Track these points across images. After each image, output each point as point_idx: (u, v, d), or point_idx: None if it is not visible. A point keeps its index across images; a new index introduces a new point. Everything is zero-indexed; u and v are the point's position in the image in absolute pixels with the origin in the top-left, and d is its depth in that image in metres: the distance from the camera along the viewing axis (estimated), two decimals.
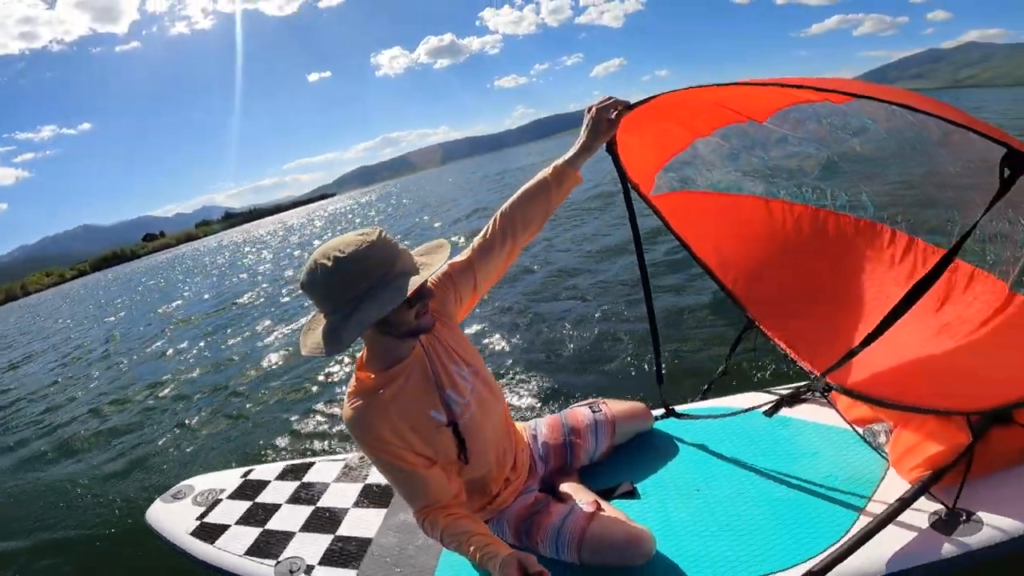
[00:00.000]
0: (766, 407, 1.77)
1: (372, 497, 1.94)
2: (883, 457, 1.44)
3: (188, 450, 3.77)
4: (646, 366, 3.12)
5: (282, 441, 3.47)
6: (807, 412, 1.71)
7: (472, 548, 1.12)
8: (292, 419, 3.71)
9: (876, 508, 1.28)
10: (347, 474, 2.13)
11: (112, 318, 14.50)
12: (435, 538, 1.22)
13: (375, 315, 1.02)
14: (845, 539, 1.20)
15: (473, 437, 1.27)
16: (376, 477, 2.03)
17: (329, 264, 1.02)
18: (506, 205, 1.32)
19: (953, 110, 0.92)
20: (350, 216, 32.53)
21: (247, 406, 4.28)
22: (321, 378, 4.38)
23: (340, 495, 2.01)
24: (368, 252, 1.03)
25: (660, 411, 1.91)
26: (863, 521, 1.26)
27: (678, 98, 1.34)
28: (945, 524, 1.18)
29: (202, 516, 2.10)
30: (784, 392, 1.81)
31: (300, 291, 1.17)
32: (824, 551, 1.21)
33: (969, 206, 1.04)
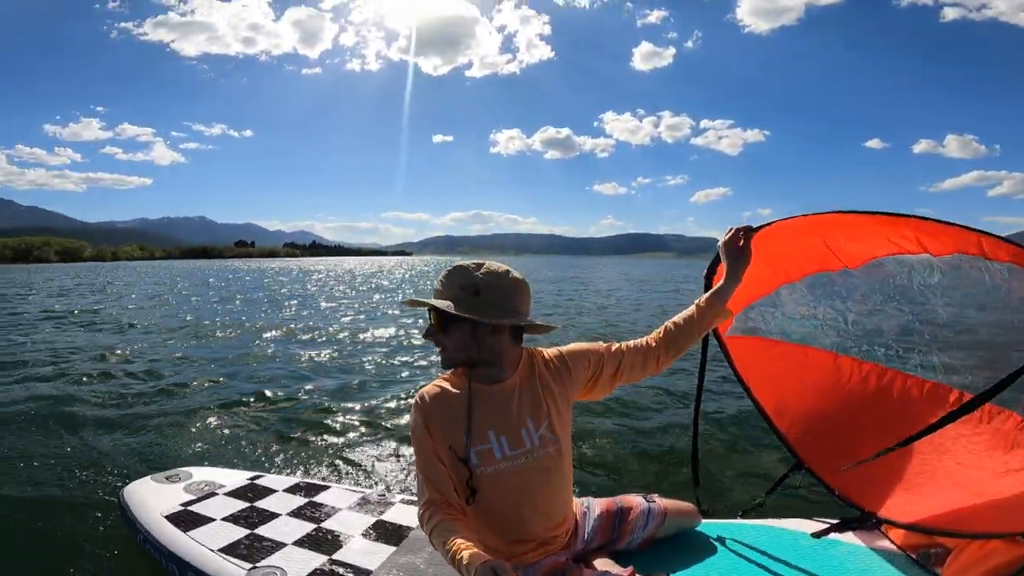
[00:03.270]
0: (815, 530, 1.75)
1: (384, 533, 1.84)
2: None
3: (202, 445, 3.65)
4: (700, 471, 3.15)
5: (305, 459, 3.38)
6: (855, 537, 1.70)
7: (450, 547, 1.12)
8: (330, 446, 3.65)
9: None
10: (362, 506, 2.03)
11: (173, 301, 15.58)
12: (427, 532, 1.23)
13: (512, 320, 1.26)
14: None
15: (501, 490, 1.29)
16: (392, 515, 1.97)
17: (502, 271, 1.30)
18: (668, 323, 1.48)
19: None
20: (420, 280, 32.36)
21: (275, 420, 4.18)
22: (378, 418, 4.24)
23: (349, 522, 1.91)
24: (522, 287, 1.32)
25: (710, 520, 1.89)
26: None
27: (793, 226, 1.50)
28: None
29: (188, 504, 1.99)
30: (835, 522, 1.78)
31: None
32: None
33: None
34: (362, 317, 11.92)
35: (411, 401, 1.55)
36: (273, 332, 9.11)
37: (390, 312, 12.89)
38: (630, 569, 1.36)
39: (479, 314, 1.23)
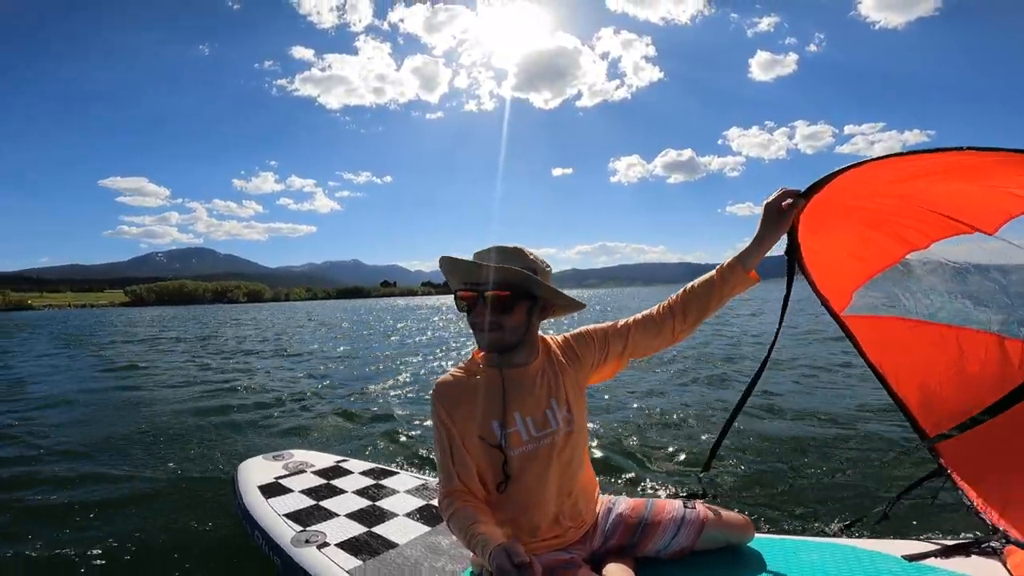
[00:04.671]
0: (910, 552, 1.44)
1: (426, 516, 1.98)
2: None
3: (318, 435, 4.55)
4: (774, 488, 2.75)
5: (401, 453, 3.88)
6: (962, 565, 1.38)
7: (468, 535, 1.14)
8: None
9: None
10: (419, 491, 2.21)
11: (329, 333, 18.37)
12: (446, 518, 1.24)
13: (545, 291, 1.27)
14: None
15: (526, 473, 1.28)
16: None
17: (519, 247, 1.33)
18: (675, 293, 1.42)
19: None
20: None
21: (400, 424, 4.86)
22: None
23: (401, 503, 2.10)
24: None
25: (767, 534, 1.65)
26: None
27: (867, 182, 1.25)
28: None
29: (281, 477, 2.35)
30: (947, 542, 1.46)
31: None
32: None
33: None
34: (462, 339, 13.27)
35: None
36: (387, 358, 10.25)
37: None
38: None
39: (551, 294, 1.29)
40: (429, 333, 16.49)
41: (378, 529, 1.87)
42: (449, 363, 7.79)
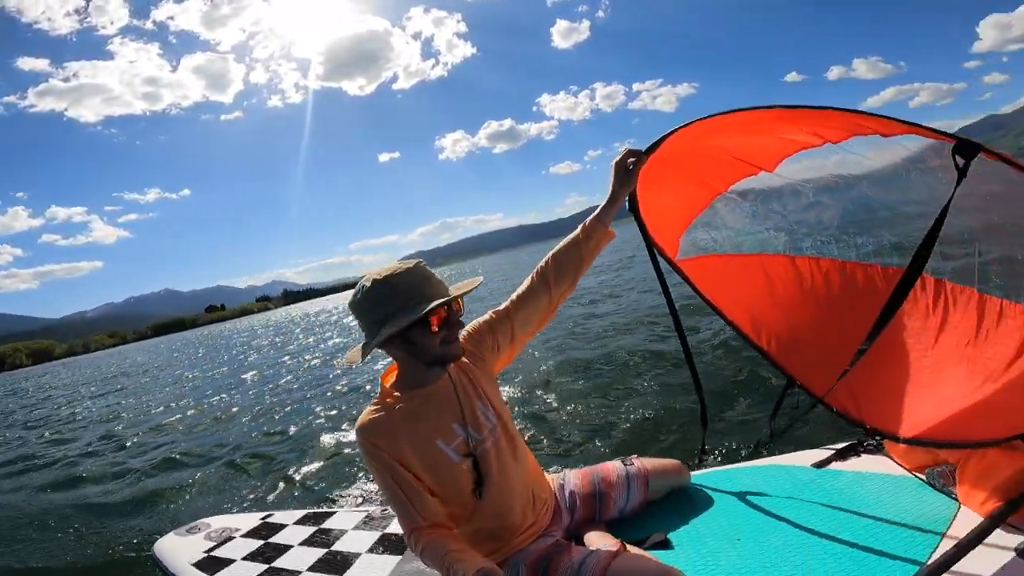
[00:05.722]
0: (815, 461, 1.69)
1: (389, 545, 1.90)
2: (952, 498, 1.39)
3: (212, 496, 3.91)
4: (680, 428, 3.08)
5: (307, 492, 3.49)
6: (860, 464, 1.65)
7: (444, 564, 1.13)
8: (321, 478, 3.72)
9: (950, 540, 1.22)
10: (367, 523, 2.09)
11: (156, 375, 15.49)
12: (417, 554, 1.21)
13: (390, 330, 1.14)
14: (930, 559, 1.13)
15: (493, 475, 1.28)
16: (395, 527, 1.98)
17: (368, 285, 1.18)
18: (542, 261, 1.41)
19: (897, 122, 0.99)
20: None
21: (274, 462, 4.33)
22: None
23: (357, 541, 1.97)
24: (401, 278, 1.16)
25: (700, 471, 1.84)
26: (941, 548, 1.20)
27: (688, 139, 1.39)
28: None
29: (210, 550, 2.11)
30: (838, 447, 1.73)
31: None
32: None
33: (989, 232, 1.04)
34: (318, 355, 12.13)
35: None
36: (251, 388, 9.01)
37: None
38: (619, 543, 1.32)
39: (388, 329, 1.17)
40: (289, 357, 14.48)
41: (351, 574, 1.76)
42: (339, 386, 7.01)
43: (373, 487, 3.26)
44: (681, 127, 1.34)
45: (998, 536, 1.12)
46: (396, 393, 1.27)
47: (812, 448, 1.84)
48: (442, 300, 1.16)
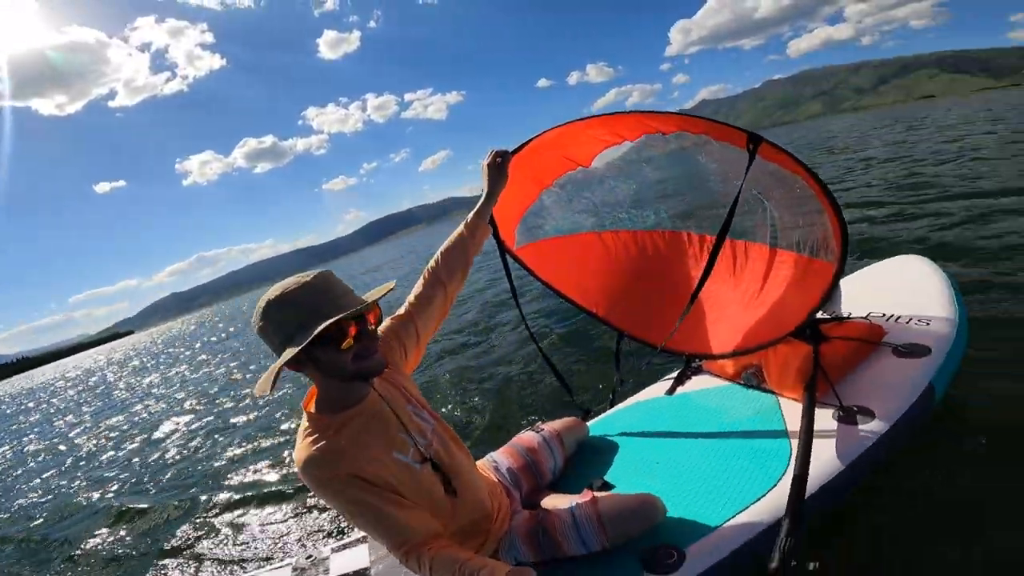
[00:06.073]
0: (666, 391, 2.10)
1: None
2: (768, 391, 1.84)
3: None
4: (556, 389, 3.37)
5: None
6: (697, 384, 2.08)
7: (464, 572, 1.07)
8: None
9: (792, 424, 1.61)
10: (316, 566, 1.75)
11: None
12: (423, 572, 1.13)
13: (289, 354, 1.04)
14: (793, 454, 1.45)
15: (454, 472, 1.28)
16: (340, 566, 1.73)
17: (262, 307, 1.09)
18: (431, 261, 1.46)
19: (701, 120, 1.43)
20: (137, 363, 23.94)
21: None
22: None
23: None
24: (294, 295, 1.07)
25: (591, 420, 2.11)
26: (792, 439, 1.55)
27: (542, 143, 1.72)
28: (847, 418, 1.51)
29: None
30: (674, 375, 2.16)
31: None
32: (786, 469, 1.45)
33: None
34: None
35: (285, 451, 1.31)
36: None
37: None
38: (588, 491, 1.44)
39: (287, 353, 1.07)
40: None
41: None
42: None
43: (280, 534, 2.79)
44: (538, 135, 1.68)
45: (816, 414, 1.46)
46: (326, 419, 1.16)
47: (656, 382, 2.30)
48: (330, 321, 1.03)
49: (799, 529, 1.20)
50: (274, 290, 1.10)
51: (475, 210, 1.53)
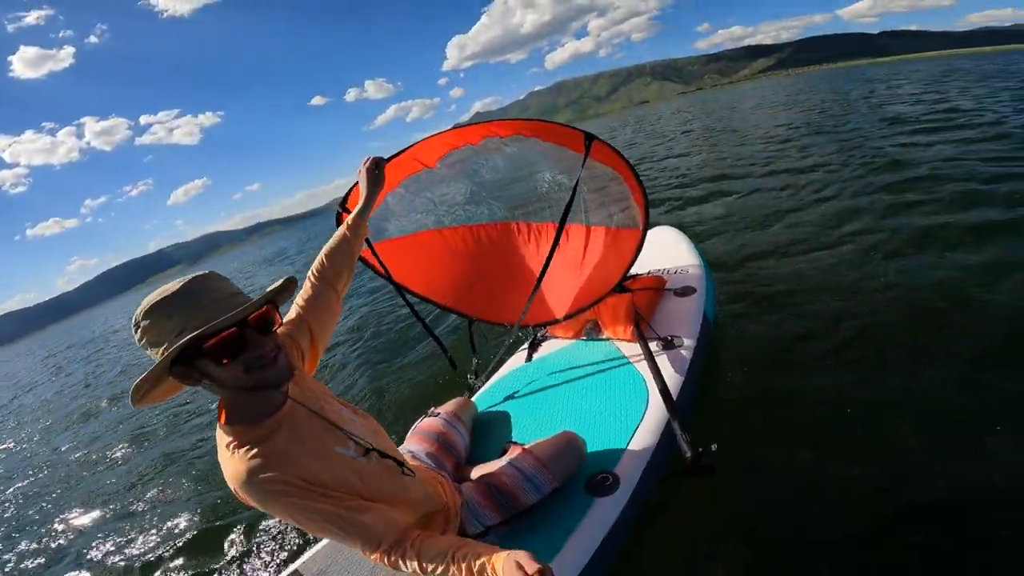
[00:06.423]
0: (524, 360, 2.44)
1: None
2: (607, 340, 2.27)
3: None
4: (437, 374, 3.55)
5: None
6: (548, 348, 2.47)
7: (458, 561, 1.06)
8: None
9: (633, 358, 2.03)
10: None
11: None
12: (409, 566, 1.09)
13: (152, 377, 0.97)
14: (648, 378, 1.83)
15: (401, 456, 1.29)
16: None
17: (135, 322, 0.99)
18: (316, 264, 1.44)
19: (535, 123, 1.78)
20: None
21: None
22: None
23: None
24: (160, 306, 0.97)
25: (475, 396, 2.31)
26: (639, 367, 1.95)
27: (408, 154, 1.94)
28: (668, 345, 2.01)
29: None
30: (527, 344, 2.55)
31: None
32: (648, 389, 1.81)
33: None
34: None
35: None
36: None
37: None
38: (521, 446, 1.59)
39: (145, 381, 0.99)
40: None
41: None
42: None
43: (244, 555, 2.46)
44: (413, 144, 1.91)
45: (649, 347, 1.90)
46: (250, 429, 1.06)
47: (512, 355, 2.61)
48: (188, 338, 0.93)
49: (685, 424, 1.51)
50: (144, 302, 0.98)
51: (355, 211, 1.56)
